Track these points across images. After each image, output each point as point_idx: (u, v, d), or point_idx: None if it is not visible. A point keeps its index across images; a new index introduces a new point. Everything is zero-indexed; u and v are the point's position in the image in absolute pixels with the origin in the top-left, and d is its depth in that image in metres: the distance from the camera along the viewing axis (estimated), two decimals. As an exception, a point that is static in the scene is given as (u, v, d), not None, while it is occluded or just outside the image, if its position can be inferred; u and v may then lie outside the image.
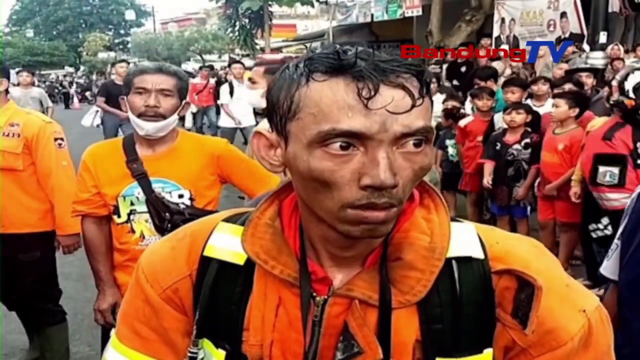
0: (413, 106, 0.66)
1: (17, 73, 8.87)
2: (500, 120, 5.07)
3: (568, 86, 4.98)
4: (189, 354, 0.81)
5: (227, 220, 0.85)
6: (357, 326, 0.74)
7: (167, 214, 2.01)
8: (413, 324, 0.74)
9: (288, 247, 0.79)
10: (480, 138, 5.31)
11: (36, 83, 14.99)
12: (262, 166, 0.77)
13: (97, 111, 8.13)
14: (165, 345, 0.84)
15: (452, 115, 5.79)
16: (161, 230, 2.03)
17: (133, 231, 2.07)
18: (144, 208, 2.03)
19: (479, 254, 0.76)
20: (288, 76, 0.71)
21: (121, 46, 51.32)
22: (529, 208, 4.79)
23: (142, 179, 2.03)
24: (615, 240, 1.57)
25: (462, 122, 5.52)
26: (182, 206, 2.03)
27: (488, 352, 0.75)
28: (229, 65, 11.22)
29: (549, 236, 4.78)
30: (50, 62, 42.51)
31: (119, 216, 2.07)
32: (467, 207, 5.81)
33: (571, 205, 4.38)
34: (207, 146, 2.15)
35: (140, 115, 1.99)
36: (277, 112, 0.71)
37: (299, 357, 0.77)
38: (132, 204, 2.05)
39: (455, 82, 8.42)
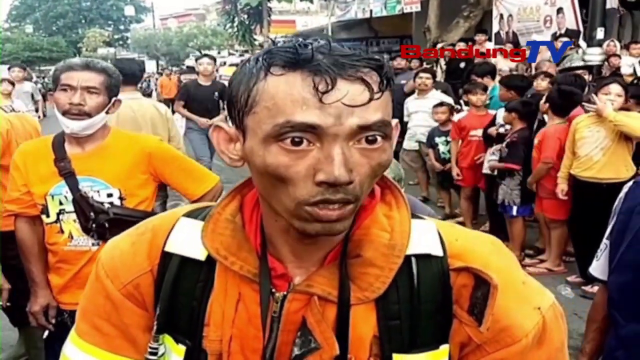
0: (371, 100, 0.66)
1: (9, 69, 8.86)
2: (500, 117, 5.10)
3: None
4: (149, 350, 0.81)
5: (189, 215, 0.84)
6: (315, 322, 0.74)
7: (92, 214, 1.96)
8: (371, 320, 0.74)
9: (248, 243, 0.78)
10: (473, 132, 5.34)
11: (34, 78, 15.01)
12: (223, 160, 0.77)
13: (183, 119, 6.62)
14: (126, 340, 0.83)
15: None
16: (87, 230, 1.98)
17: (62, 231, 2.02)
18: (72, 208, 1.98)
19: (438, 252, 0.76)
20: (248, 70, 0.70)
21: (121, 42, 51.27)
22: (514, 208, 4.80)
23: (69, 177, 1.97)
24: (604, 240, 1.56)
25: (456, 117, 5.55)
26: (107, 206, 1.98)
27: (444, 348, 0.75)
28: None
29: (543, 228, 4.82)
30: (50, 57, 42.39)
31: (48, 216, 2.02)
32: (460, 202, 5.82)
33: (556, 202, 4.40)
34: (139, 144, 2.09)
35: (65, 113, 1.93)
36: (236, 106, 0.71)
37: (257, 352, 0.76)
38: (60, 203, 2.00)
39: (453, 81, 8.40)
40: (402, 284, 0.75)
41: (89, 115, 1.94)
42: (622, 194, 1.54)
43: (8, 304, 2.46)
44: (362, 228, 0.76)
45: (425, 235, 0.77)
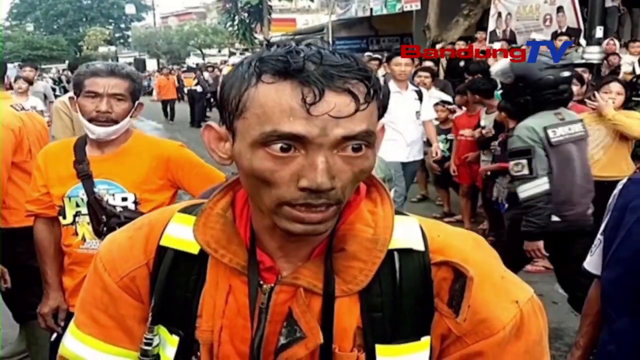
0: (357, 110, 0.69)
1: (21, 67, 8.87)
2: (483, 118, 5.14)
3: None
4: (144, 340, 0.84)
5: (184, 210, 0.87)
6: (301, 312, 0.77)
7: (104, 217, 1.96)
8: (354, 311, 0.77)
9: (238, 236, 0.81)
10: (462, 132, 5.40)
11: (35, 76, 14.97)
12: (212, 158, 0.80)
13: None
14: (122, 332, 0.86)
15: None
16: (98, 233, 1.96)
17: (76, 234, 2.02)
18: (87, 210, 1.98)
19: (420, 246, 0.79)
20: (240, 74, 0.72)
21: (122, 40, 51.31)
22: (506, 205, 4.83)
23: (86, 179, 1.98)
24: (598, 236, 1.58)
25: (453, 115, 5.62)
26: (119, 209, 1.97)
27: (426, 339, 0.78)
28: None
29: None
30: (50, 56, 42.44)
31: (65, 217, 2.02)
32: (459, 199, 5.84)
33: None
34: (158, 148, 2.07)
35: (91, 120, 1.93)
36: (227, 108, 0.74)
37: (246, 342, 0.79)
38: (77, 205, 2.00)
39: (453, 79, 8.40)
40: (385, 278, 0.77)
41: (115, 121, 1.94)
42: (616, 191, 1.55)
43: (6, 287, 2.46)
44: (347, 223, 0.79)
45: (407, 231, 0.80)
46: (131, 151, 2.04)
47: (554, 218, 3.03)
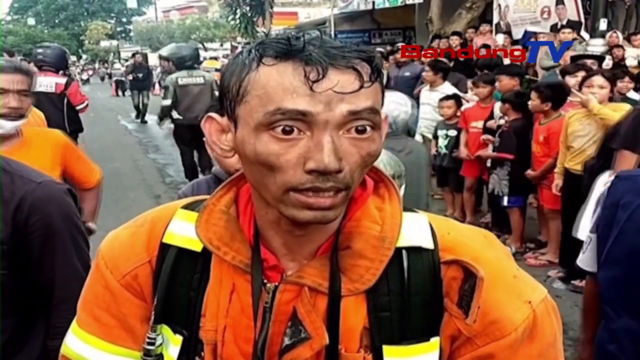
0: (361, 87, 0.67)
1: (28, 62, 8.89)
2: (498, 109, 5.10)
3: (581, 74, 4.90)
4: (147, 340, 0.82)
5: (186, 207, 0.85)
6: (306, 312, 0.75)
7: None
8: (361, 311, 0.75)
9: (242, 234, 0.79)
10: (474, 124, 5.36)
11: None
12: (214, 151, 0.78)
13: None
14: (125, 331, 0.85)
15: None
16: None
17: None
18: None
19: (429, 244, 0.77)
20: (240, 61, 0.71)
21: (123, 34, 51.25)
22: (505, 198, 4.80)
23: None
24: (588, 234, 1.59)
25: (463, 107, 5.58)
26: None
27: (435, 340, 0.76)
28: None
29: (544, 220, 4.82)
30: (52, 50, 42.38)
31: None
32: (463, 194, 5.82)
33: (555, 193, 4.39)
34: (53, 137, 2.20)
35: (1, 116, 1.98)
36: (227, 97, 0.72)
37: (249, 342, 0.78)
38: None
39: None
40: (393, 276, 0.75)
41: (23, 116, 2.03)
42: (604, 190, 1.56)
43: None
44: (353, 220, 0.77)
45: (416, 229, 0.78)
46: (32, 143, 2.12)
47: None
